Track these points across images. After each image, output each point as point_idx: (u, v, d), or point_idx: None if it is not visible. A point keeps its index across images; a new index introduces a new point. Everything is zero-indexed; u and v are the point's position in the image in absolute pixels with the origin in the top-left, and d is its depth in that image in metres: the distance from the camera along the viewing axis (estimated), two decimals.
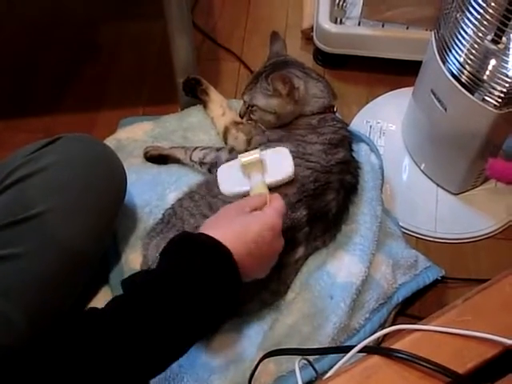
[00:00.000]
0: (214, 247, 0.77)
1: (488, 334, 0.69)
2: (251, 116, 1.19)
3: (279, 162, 1.03)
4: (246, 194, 0.99)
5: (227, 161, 1.15)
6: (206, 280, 0.75)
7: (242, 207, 0.87)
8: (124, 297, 0.73)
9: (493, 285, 0.75)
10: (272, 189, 0.98)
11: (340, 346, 1.01)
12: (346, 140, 1.17)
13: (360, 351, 0.71)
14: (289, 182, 1.03)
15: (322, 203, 1.08)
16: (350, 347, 0.72)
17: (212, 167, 1.21)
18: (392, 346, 0.70)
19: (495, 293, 0.74)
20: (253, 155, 1.01)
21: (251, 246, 0.80)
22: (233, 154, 1.20)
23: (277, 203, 0.89)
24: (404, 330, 0.72)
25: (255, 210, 0.87)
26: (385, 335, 0.77)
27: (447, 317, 0.72)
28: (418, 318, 1.14)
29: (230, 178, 1.04)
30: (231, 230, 0.80)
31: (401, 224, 1.26)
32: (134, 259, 1.13)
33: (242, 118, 1.21)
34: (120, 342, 0.68)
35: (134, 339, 0.69)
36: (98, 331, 0.68)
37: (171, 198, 1.17)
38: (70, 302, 1.01)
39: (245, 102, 1.20)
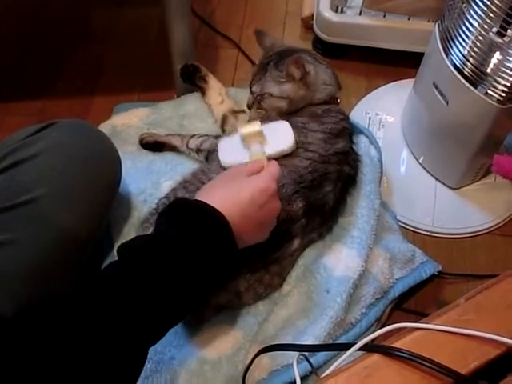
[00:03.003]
0: (210, 214, 0.79)
1: (491, 333, 0.68)
2: (261, 104, 1.16)
3: (280, 134, 1.06)
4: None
5: None
6: (202, 245, 0.76)
7: (238, 172, 0.90)
8: (122, 261, 0.73)
9: (496, 284, 0.74)
10: None
11: (339, 343, 0.99)
12: (347, 131, 1.16)
13: (360, 349, 0.69)
14: (287, 172, 1.02)
15: (320, 195, 1.07)
16: (350, 345, 0.70)
17: (209, 154, 1.19)
18: (393, 345, 0.68)
19: (498, 292, 0.73)
20: (253, 126, 1.03)
21: (245, 208, 0.83)
22: None
23: (272, 168, 0.91)
24: (405, 328, 0.70)
25: (252, 175, 0.89)
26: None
27: (449, 316, 0.71)
28: (414, 313, 1.13)
29: (230, 149, 1.06)
30: (225, 194, 0.83)
31: (398, 218, 1.25)
32: None
33: (250, 108, 1.18)
34: (118, 307, 0.67)
35: (132, 304, 0.68)
36: (95, 297, 0.68)
37: (166, 186, 1.16)
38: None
39: (253, 92, 1.17)
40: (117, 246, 1.06)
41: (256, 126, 1.02)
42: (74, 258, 0.97)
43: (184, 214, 0.79)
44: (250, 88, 1.18)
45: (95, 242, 1.04)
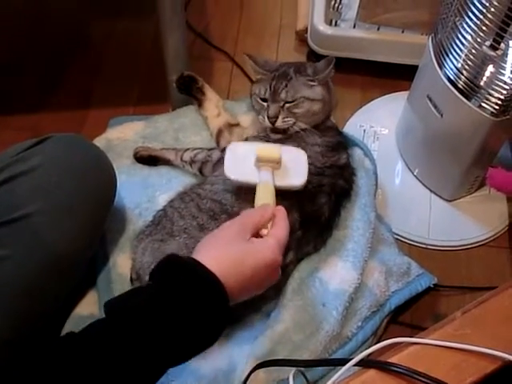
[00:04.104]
0: (204, 277, 0.71)
1: (487, 348, 0.67)
2: (294, 111, 1.14)
3: (294, 165, 1.00)
4: (248, 186, 0.96)
5: (219, 160, 1.13)
6: (191, 311, 0.69)
7: (243, 229, 0.80)
8: (103, 322, 0.68)
9: (492, 297, 0.74)
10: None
11: (335, 358, 0.99)
12: (343, 145, 1.17)
13: (356, 364, 0.69)
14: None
15: (315, 207, 1.07)
16: (346, 360, 0.70)
17: (203, 166, 1.20)
18: (389, 360, 0.68)
19: (495, 306, 0.73)
20: (272, 151, 0.97)
21: (244, 278, 0.75)
22: None
23: (280, 231, 0.82)
24: (401, 343, 0.70)
25: (257, 231, 0.81)
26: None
27: (446, 330, 0.71)
28: (410, 327, 1.13)
29: (238, 162, 1.00)
30: (227, 258, 0.74)
31: (393, 230, 1.25)
32: (122, 262, 1.11)
33: (275, 119, 1.14)
34: (96, 370, 0.63)
35: (110, 368, 0.64)
36: (74, 360, 0.63)
37: (161, 200, 1.16)
38: (55, 306, 0.98)
39: (280, 100, 1.14)
40: (112, 259, 1.11)
41: (276, 152, 0.97)
42: (67, 275, 0.95)
43: (177, 276, 0.71)
44: (276, 97, 1.14)
45: (89, 258, 1.03)
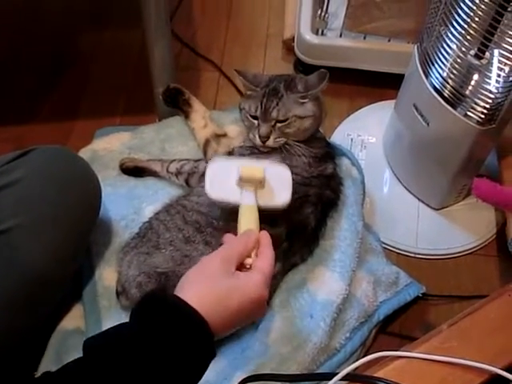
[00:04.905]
0: (188, 315, 0.69)
1: (474, 361, 0.67)
2: (285, 131, 1.13)
3: (278, 185, 0.96)
4: (230, 206, 0.93)
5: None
6: (174, 351, 0.67)
7: (227, 261, 0.77)
8: (81, 362, 0.65)
9: (478, 309, 0.73)
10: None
11: (321, 372, 0.98)
12: (330, 155, 1.17)
13: (343, 379, 0.68)
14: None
15: (301, 216, 1.07)
16: (332, 374, 0.69)
17: (189, 177, 1.19)
18: (375, 374, 0.67)
19: (481, 318, 0.72)
20: (255, 172, 0.94)
21: (229, 314, 0.73)
22: None
23: (265, 261, 0.79)
24: (387, 356, 0.69)
25: (241, 261, 0.79)
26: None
27: (432, 343, 0.70)
28: (399, 337, 1.13)
29: (220, 179, 0.96)
30: (211, 295, 0.72)
31: (381, 239, 1.25)
32: (108, 275, 1.10)
33: (266, 139, 1.12)
34: None
35: None
36: None
37: (148, 211, 1.14)
38: (39, 321, 0.97)
39: (271, 120, 1.12)
40: (98, 272, 1.10)
41: (259, 173, 0.93)
42: (48, 293, 0.94)
43: (159, 316, 0.68)
44: (267, 116, 1.12)
45: (73, 274, 1.02)
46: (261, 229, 0.87)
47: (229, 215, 0.99)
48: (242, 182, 0.93)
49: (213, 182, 0.96)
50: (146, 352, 0.65)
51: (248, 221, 0.88)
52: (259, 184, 0.94)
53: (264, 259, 0.80)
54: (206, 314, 0.69)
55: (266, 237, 0.84)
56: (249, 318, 0.78)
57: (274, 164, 1.01)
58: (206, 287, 0.73)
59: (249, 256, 0.80)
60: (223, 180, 0.95)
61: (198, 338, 0.68)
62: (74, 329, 1.06)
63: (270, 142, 1.13)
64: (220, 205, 1.00)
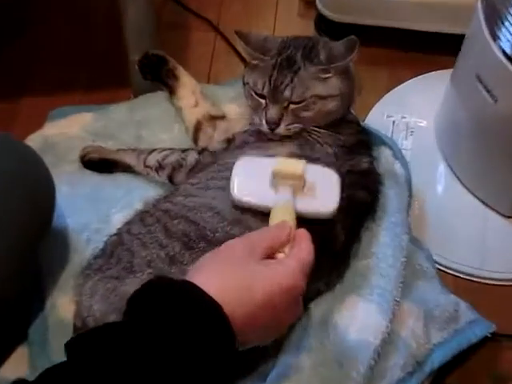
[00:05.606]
0: (203, 306, 0.70)
1: None
2: (303, 115, 1.12)
3: (322, 188, 1.00)
4: (263, 212, 0.95)
5: (196, 164, 1.15)
6: (187, 357, 0.67)
7: (252, 247, 0.80)
8: (62, 368, 0.65)
9: None
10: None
11: None
12: (365, 145, 1.17)
13: None
14: None
15: (325, 228, 1.05)
16: None
17: (174, 173, 1.20)
18: None
19: None
20: (295, 165, 0.98)
21: (256, 310, 0.73)
22: (205, 156, 1.18)
23: (303, 251, 0.82)
24: None
25: (269, 255, 0.81)
26: None
27: None
28: None
29: (250, 180, 1.02)
30: (233, 284, 0.74)
31: (435, 258, 1.24)
32: (63, 306, 1.09)
33: (275, 126, 1.12)
34: None
35: None
36: None
37: (117, 220, 1.14)
38: None
39: (283, 100, 1.12)
40: (49, 302, 1.09)
41: (299, 167, 0.97)
42: None
43: (164, 307, 0.70)
44: (278, 96, 1.12)
45: (15, 302, 1.02)
46: None
47: (231, 224, 1.01)
48: (277, 178, 0.97)
49: (240, 184, 1.01)
50: (145, 357, 0.65)
51: (282, 215, 0.91)
52: (298, 183, 0.97)
53: (301, 250, 0.82)
54: (228, 306, 0.70)
55: (305, 233, 0.85)
56: (280, 315, 0.78)
57: (317, 166, 1.04)
58: (225, 276, 0.74)
59: (280, 252, 0.82)
60: (252, 180, 1.01)
61: (219, 338, 0.69)
62: (16, 379, 1.03)
63: (281, 130, 1.13)
64: (248, 208, 1.01)
